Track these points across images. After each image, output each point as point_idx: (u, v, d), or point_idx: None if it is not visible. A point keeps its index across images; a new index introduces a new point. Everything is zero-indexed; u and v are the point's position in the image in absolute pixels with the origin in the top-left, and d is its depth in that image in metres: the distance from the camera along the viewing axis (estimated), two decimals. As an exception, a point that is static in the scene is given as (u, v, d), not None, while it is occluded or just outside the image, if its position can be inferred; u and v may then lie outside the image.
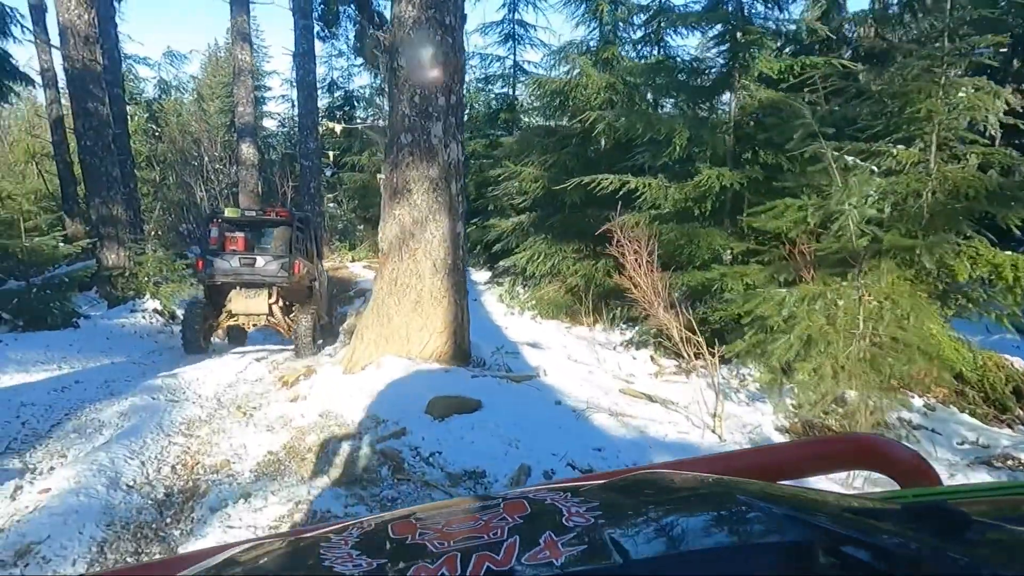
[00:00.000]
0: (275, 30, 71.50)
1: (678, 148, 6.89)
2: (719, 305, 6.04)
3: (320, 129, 15.77)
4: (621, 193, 7.05)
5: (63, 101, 12.16)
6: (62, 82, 12.30)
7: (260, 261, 7.82)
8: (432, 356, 5.14)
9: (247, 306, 8.11)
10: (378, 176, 4.78)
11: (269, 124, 24.55)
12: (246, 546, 0.69)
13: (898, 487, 0.89)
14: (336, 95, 23.12)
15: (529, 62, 18.57)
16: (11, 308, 8.01)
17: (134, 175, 10.97)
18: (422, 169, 4.91)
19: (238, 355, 7.86)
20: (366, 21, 17.74)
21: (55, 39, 10.50)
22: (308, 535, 0.68)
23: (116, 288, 10.43)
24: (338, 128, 15.53)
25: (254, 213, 8.58)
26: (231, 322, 8.37)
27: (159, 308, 10.22)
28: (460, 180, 5.12)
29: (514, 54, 15.96)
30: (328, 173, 19.16)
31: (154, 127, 22.00)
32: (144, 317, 9.67)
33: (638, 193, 7.11)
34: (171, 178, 20.34)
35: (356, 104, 23.26)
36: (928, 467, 0.91)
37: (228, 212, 8.16)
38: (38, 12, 11.55)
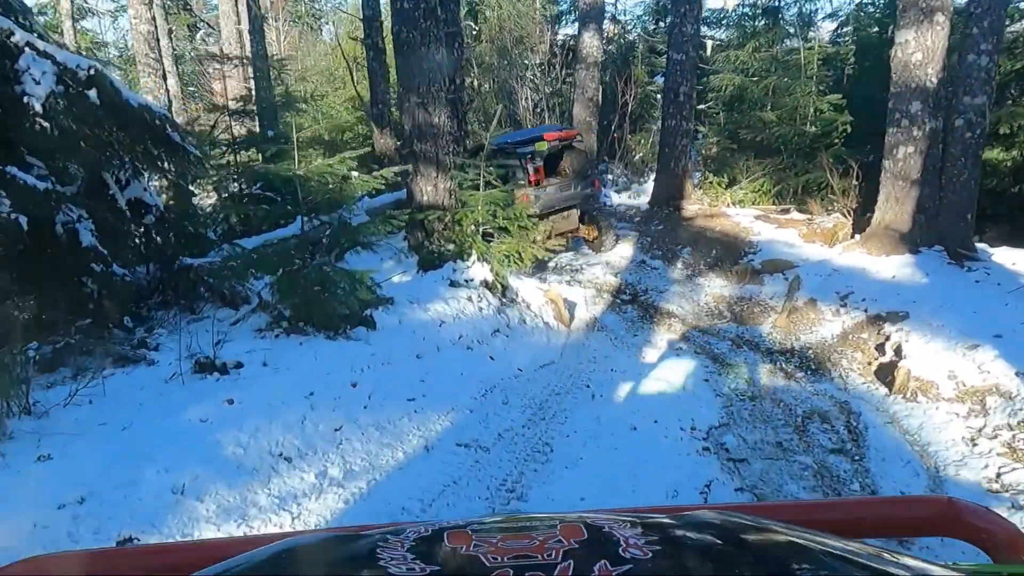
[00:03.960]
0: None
1: None
2: None
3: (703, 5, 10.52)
4: None
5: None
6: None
7: (573, 187, 8.46)
8: None
9: (564, 225, 8.54)
10: None
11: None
12: (304, 537, 0.70)
13: (989, 560, 0.82)
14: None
15: None
16: (280, 282, 4.52)
17: (462, 65, 7.21)
18: None
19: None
20: None
21: None
22: (366, 532, 0.68)
23: (431, 239, 6.79)
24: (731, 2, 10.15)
25: (557, 142, 8.35)
26: None
27: (489, 280, 6.31)
28: None
29: None
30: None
31: (471, 25, 18.77)
32: (470, 299, 5.79)
33: None
34: (488, 85, 17.01)
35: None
36: None
37: (538, 147, 8.00)
38: None
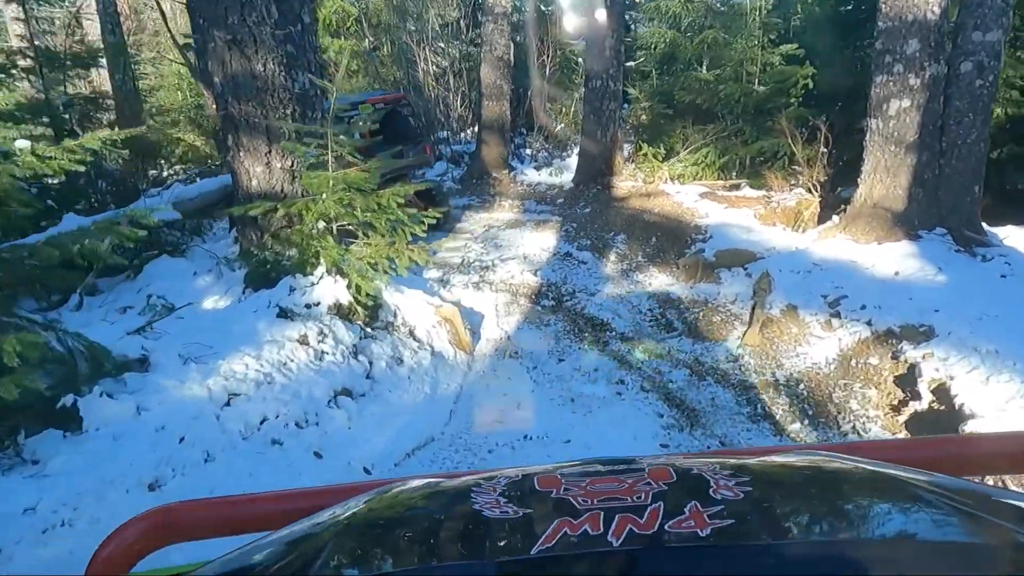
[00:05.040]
0: None
1: None
2: None
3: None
4: None
5: None
6: None
7: (406, 151, 7.69)
8: None
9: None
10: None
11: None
12: (405, 483, 0.72)
13: None
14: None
15: None
16: None
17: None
18: None
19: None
20: None
21: None
22: (460, 478, 0.70)
23: (262, 238, 4.71)
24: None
25: (382, 106, 7.51)
26: None
27: (344, 302, 4.28)
28: None
29: None
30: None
31: (366, -22, 16.29)
32: (304, 339, 3.74)
33: None
34: (386, 48, 14.70)
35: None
36: None
37: (361, 109, 6.26)
38: None
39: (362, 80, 14.44)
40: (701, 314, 5.72)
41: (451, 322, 5.21)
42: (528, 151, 12.12)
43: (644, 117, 10.22)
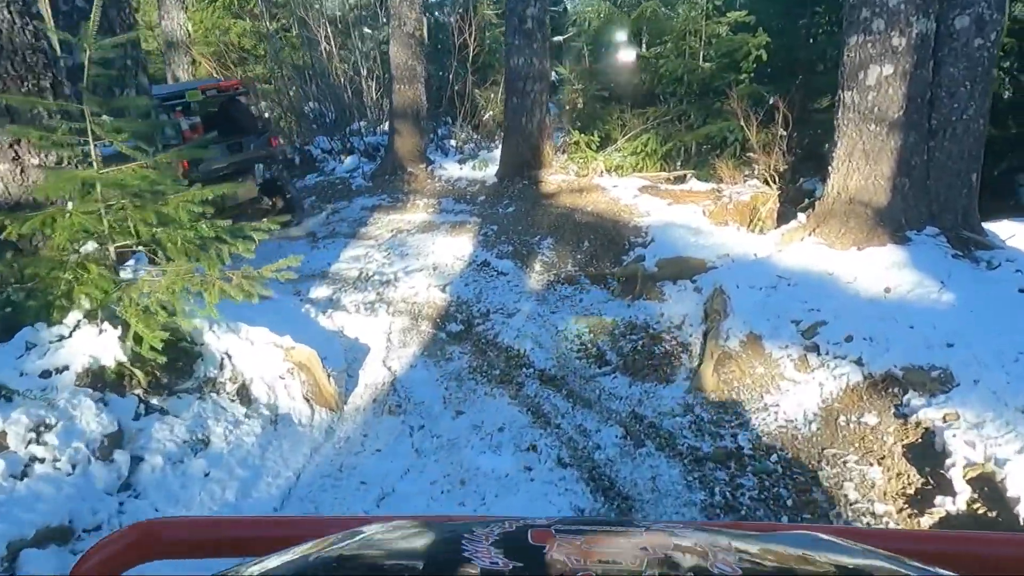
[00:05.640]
0: None
1: None
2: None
3: None
4: None
5: None
6: None
7: (244, 146, 6.96)
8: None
9: (241, 194, 6.84)
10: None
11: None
12: (392, 523, 0.70)
13: None
14: None
15: None
16: None
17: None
18: None
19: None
20: None
21: None
22: (452, 523, 0.69)
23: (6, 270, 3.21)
24: None
25: (215, 92, 6.91)
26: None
27: (111, 363, 2.85)
28: None
29: None
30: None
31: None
32: (11, 436, 2.30)
33: None
34: (294, 29, 13.11)
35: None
36: None
37: (190, 95, 6.52)
38: None
39: (260, 66, 12.84)
40: (640, 343, 4.49)
41: (308, 369, 3.85)
42: (453, 142, 10.75)
43: (578, 101, 8.97)
